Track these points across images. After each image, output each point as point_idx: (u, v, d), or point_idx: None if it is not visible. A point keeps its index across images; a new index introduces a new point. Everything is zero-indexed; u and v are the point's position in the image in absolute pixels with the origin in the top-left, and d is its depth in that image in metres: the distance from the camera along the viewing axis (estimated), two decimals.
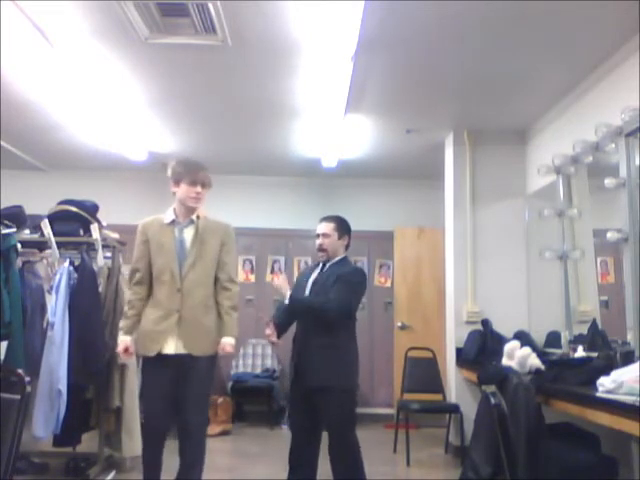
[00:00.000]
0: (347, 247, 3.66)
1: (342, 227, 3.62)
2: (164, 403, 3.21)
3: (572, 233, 4.54)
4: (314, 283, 3.54)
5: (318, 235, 3.62)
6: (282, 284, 3.47)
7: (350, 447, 3.38)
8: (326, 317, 3.36)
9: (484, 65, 4.10)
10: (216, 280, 3.34)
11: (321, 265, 3.61)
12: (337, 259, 3.58)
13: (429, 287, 6.79)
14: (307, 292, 3.54)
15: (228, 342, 3.27)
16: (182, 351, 3.20)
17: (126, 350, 3.24)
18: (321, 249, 3.58)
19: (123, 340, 3.25)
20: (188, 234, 3.32)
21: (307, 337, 3.45)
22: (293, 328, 3.62)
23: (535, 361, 3.56)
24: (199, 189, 3.29)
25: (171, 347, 3.20)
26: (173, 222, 3.33)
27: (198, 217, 3.35)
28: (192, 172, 3.30)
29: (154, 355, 3.20)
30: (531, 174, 5.21)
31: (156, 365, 3.21)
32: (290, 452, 3.48)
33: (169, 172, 3.38)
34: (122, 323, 3.30)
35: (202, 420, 3.31)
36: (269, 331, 3.46)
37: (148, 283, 3.31)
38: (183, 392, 3.21)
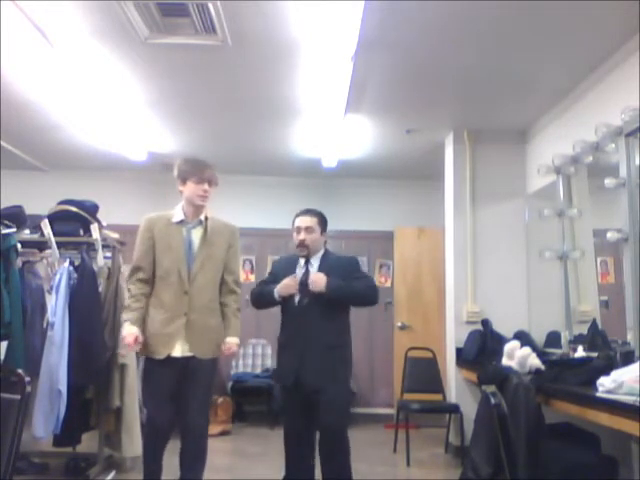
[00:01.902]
0: (325, 244, 3.53)
1: (324, 223, 3.47)
2: (168, 404, 3.21)
3: (572, 233, 4.54)
4: (302, 283, 3.37)
5: (299, 230, 3.40)
6: (292, 284, 3.36)
7: (344, 445, 3.34)
8: (367, 302, 3.37)
9: (484, 65, 4.10)
10: (222, 282, 3.33)
11: (305, 263, 3.42)
12: (320, 254, 3.44)
13: (429, 287, 6.79)
14: (297, 292, 3.38)
15: (234, 342, 3.30)
16: (188, 353, 3.20)
17: (136, 340, 3.15)
18: (303, 245, 3.38)
19: (131, 331, 3.14)
20: (196, 235, 3.28)
21: (312, 336, 3.30)
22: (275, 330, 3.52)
23: (535, 361, 3.56)
24: (206, 187, 3.26)
25: (178, 350, 3.19)
26: (182, 222, 3.29)
27: (206, 218, 3.32)
28: (199, 170, 3.27)
29: (163, 358, 3.19)
30: (531, 174, 5.21)
31: (162, 367, 3.19)
32: (286, 456, 3.41)
33: (175, 171, 3.33)
34: (127, 315, 3.21)
35: (204, 421, 3.30)
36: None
37: (152, 281, 3.27)
38: (186, 393, 3.20)
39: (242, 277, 7.12)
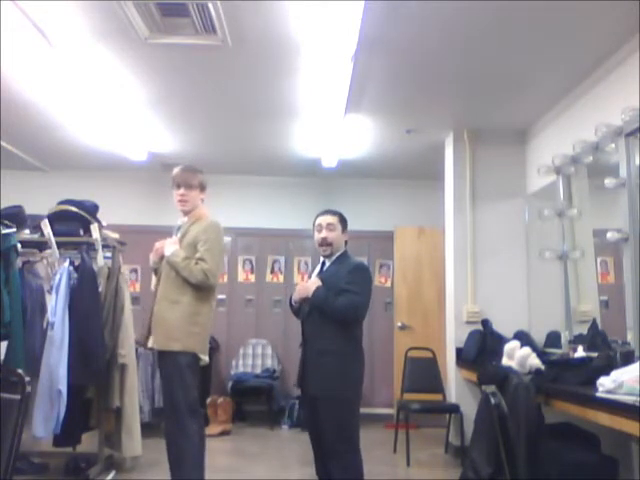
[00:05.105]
0: (346, 244, 3.44)
1: (344, 222, 3.42)
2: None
3: (572, 233, 4.54)
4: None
5: (320, 228, 3.32)
6: (301, 288, 3.32)
7: (341, 454, 3.12)
8: (343, 321, 3.17)
9: (484, 65, 4.10)
10: None
11: (321, 264, 3.41)
12: (338, 255, 3.35)
13: (429, 287, 6.79)
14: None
15: (167, 243, 3.35)
16: (153, 345, 3.33)
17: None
18: (325, 243, 3.30)
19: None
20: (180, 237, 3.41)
21: (309, 342, 3.27)
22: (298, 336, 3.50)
23: (535, 361, 3.56)
24: (181, 191, 3.36)
25: (150, 340, 3.34)
26: (179, 226, 3.46)
27: (198, 219, 3.39)
28: (172, 176, 3.41)
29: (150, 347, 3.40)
30: (531, 174, 5.21)
31: (154, 358, 3.39)
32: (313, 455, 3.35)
33: None
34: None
35: (172, 426, 3.19)
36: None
37: None
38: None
39: (242, 277, 7.18)
